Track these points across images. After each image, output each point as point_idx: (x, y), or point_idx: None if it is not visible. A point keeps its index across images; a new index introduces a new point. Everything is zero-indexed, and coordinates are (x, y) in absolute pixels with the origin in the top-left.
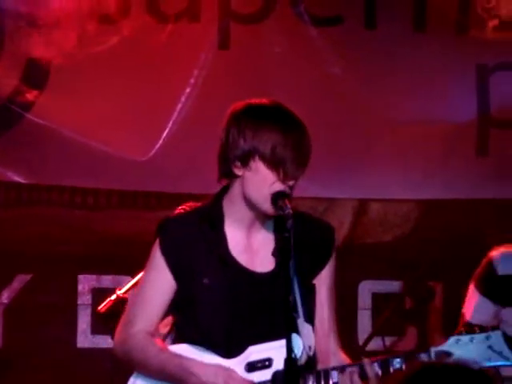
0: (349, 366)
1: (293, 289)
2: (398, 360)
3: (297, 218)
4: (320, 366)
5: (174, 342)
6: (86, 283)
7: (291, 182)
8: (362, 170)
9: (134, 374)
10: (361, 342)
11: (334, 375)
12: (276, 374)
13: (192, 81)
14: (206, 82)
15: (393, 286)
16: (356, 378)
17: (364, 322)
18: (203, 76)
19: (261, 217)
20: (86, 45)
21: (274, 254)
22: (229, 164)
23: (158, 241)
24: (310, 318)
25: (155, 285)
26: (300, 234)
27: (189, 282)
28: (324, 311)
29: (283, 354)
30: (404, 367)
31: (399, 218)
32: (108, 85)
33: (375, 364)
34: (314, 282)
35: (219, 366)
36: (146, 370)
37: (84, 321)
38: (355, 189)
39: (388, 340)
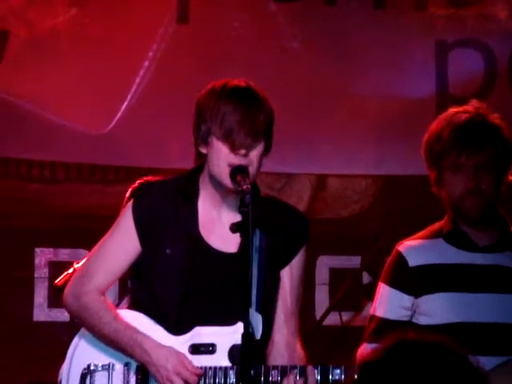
0: (291, 367)
1: (250, 271)
2: (338, 372)
3: (273, 206)
4: (270, 359)
5: (129, 307)
6: (42, 256)
7: (242, 152)
8: (321, 145)
9: (78, 334)
10: (318, 317)
11: (274, 374)
12: (233, 349)
13: (150, 54)
14: (164, 56)
15: (350, 261)
16: (293, 380)
17: (321, 297)
18: (162, 50)
19: (230, 196)
20: (44, 16)
21: (232, 228)
22: (196, 146)
23: (131, 202)
24: (264, 309)
25: (120, 245)
26: (274, 222)
27: (152, 249)
28: (286, 304)
29: (228, 341)
30: (343, 378)
31: (357, 193)
32: (67, 57)
33: (315, 371)
34: (281, 272)
35: (172, 350)
36: (95, 333)
37: (41, 294)
38: (314, 164)
39: (345, 315)
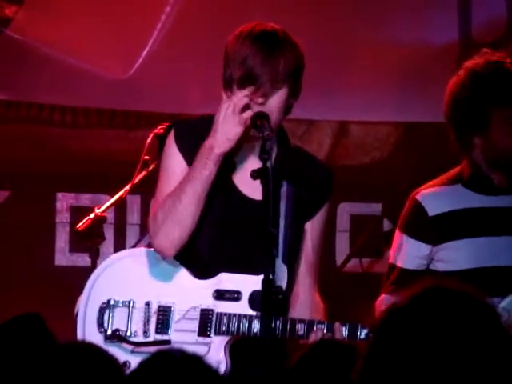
0: (319, 322)
1: (271, 219)
2: (366, 331)
3: (300, 157)
4: (291, 311)
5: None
6: (64, 201)
7: (260, 100)
8: (342, 91)
9: (100, 266)
10: (338, 264)
11: (301, 328)
12: (253, 294)
13: (172, 0)
14: (186, 2)
15: (371, 208)
16: (320, 336)
17: (342, 244)
18: None
19: (254, 143)
20: None
21: (252, 175)
22: (224, 90)
23: (172, 132)
24: (289, 260)
25: (174, 170)
26: (300, 174)
27: None
28: (309, 257)
29: (253, 291)
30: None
31: (379, 140)
32: (88, 1)
33: (343, 328)
34: (306, 224)
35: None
36: (183, 201)
37: (62, 239)
38: (335, 111)
39: (365, 262)
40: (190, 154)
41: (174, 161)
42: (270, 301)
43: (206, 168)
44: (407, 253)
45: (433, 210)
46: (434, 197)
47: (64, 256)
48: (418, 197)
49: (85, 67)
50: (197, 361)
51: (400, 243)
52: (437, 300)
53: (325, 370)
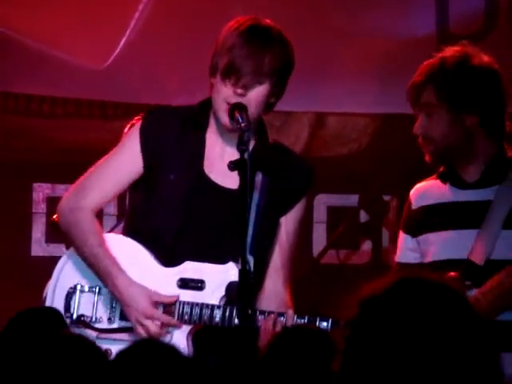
0: (272, 313)
1: (248, 211)
2: (324, 324)
3: (279, 152)
4: (260, 304)
5: (124, 230)
6: (40, 192)
7: (239, 91)
8: (320, 83)
9: (69, 251)
10: (315, 255)
11: (260, 318)
12: (230, 285)
13: None
14: None
15: (348, 199)
16: (270, 325)
17: (319, 235)
18: None
19: (232, 133)
20: None
21: (230, 166)
22: (210, 76)
23: (140, 123)
24: (256, 251)
25: (122, 164)
26: (278, 167)
27: (156, 172)
28: (282, 251)
29: (217, 280)
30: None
31: (356, 131)
32: None
33: (302, 320)
34: (281, 219)
35: (143, 291)
36: (78, 252)
37: (39, 229)
38: (312, 102)
39: (342, 253)
40: (150, 151)
41: (130, 156)
42: (247, 291)
43: (98, 277)
44: (400, 247)
45: (415, 203)
46: (418, 190)
47: (40, 247)
48: (410, 191)
49: (62, 57)
50: (173, 351)
51: (399, 239)
52: (410, 290)
53: (297, 358)
